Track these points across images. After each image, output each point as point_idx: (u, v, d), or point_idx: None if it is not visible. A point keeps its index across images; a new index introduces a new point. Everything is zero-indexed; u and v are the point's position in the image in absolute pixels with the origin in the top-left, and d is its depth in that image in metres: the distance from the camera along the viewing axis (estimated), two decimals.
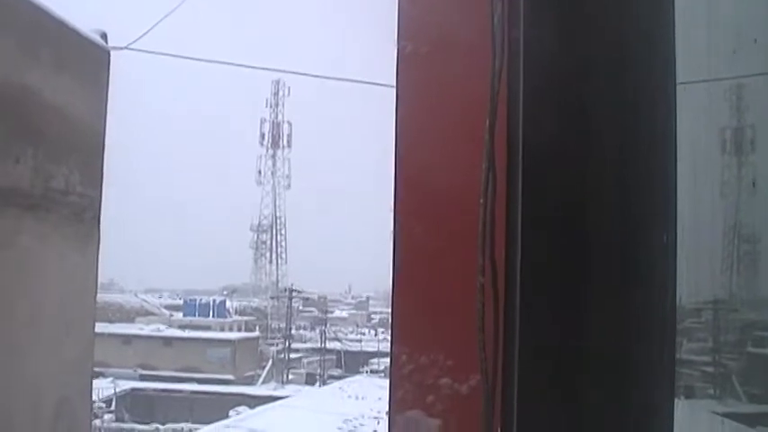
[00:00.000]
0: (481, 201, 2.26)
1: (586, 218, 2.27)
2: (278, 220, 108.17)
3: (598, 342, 2.24)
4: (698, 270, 2.97)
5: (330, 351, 79.46)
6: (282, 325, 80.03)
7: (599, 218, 2.28)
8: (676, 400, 2.42)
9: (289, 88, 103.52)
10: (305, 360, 78.78)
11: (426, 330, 2.42)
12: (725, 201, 3.24)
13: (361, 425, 37.72)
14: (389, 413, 2.44)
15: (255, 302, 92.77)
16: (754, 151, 3.20)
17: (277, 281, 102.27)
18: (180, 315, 78.14)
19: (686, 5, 2.42)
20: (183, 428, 55.01)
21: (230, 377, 66.93)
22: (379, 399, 35.09)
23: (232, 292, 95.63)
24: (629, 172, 2.29)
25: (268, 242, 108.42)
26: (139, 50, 11.65)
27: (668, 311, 2.31)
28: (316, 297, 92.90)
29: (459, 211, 2.36)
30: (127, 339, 67.20)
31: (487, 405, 2.24)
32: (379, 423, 33.84)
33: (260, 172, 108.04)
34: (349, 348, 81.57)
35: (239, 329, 77.56)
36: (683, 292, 2.42)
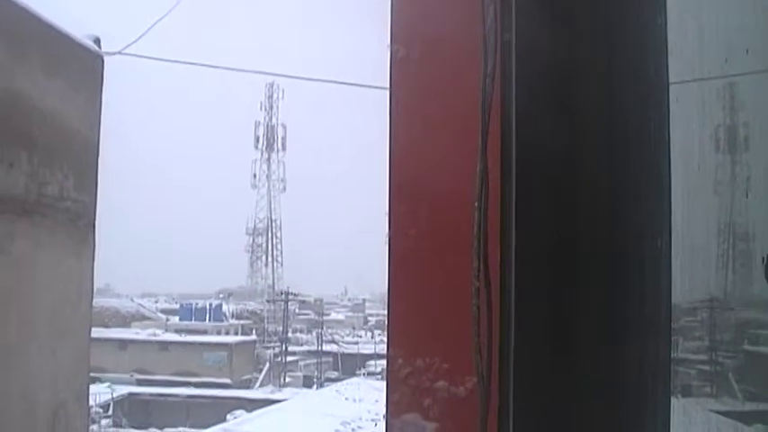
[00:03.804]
0: (476, 204, 2.26)
1: (580, 220, 2.28)
2: (273, 224, 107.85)
3: (593, 344, 2.25)
4: (693, 269, 2.97)
5: (327, 354, 79.47)
6: (279, 328, 79.96)
7: (592, 220, 2.28)
8: (673, 399, 2.42)
9: (283, 91, 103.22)
10: (302, 363, 78.74)
11: (422, 334, 2.42)
12: (719, 199, 3.25)
13: (359, 427, 37.76)
14: (386, 417, 2.44)
15: (252, 306, 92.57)
16: (748, 149, 3.20)
17: (273, 284, 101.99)
18: (176, 319, 78.05)
19: (678, 14, 2.42)
20: None
21: (227, 381, 66.87)
22: (377, 401, 35.12)
23: (228, 295, 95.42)
24: (624, 173, 2.30)
25: (264, 245, 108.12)
26: (133, 55, 11.62)
27: (663, 313, 2.31)
28: (312, 300, 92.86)
29: (454, 215, 2.36)
30: (123, 344, 67.14)
31: (484, 408, 2.24)
32: (376, 425, 33.89)
33: (255, 175, 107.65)
34: (346, 351, 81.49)
35: (236, 333, 77.40)
36: (678, 290, 2.42)
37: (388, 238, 2.47)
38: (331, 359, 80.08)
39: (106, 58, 7.17)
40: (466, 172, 2.29)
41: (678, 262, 2.37)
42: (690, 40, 2.69)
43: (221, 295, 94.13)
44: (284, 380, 72.00)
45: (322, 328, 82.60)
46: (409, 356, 2.40)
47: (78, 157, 6.56)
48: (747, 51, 2.64)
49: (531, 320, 2.24)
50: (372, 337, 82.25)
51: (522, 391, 2.24)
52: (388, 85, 2.53)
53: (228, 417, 50.75)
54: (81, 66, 6.73)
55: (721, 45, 2.76)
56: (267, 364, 74.50)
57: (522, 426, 2.24)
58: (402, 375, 2.40)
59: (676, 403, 2.61)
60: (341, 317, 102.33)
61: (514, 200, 2.27)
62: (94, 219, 6.84)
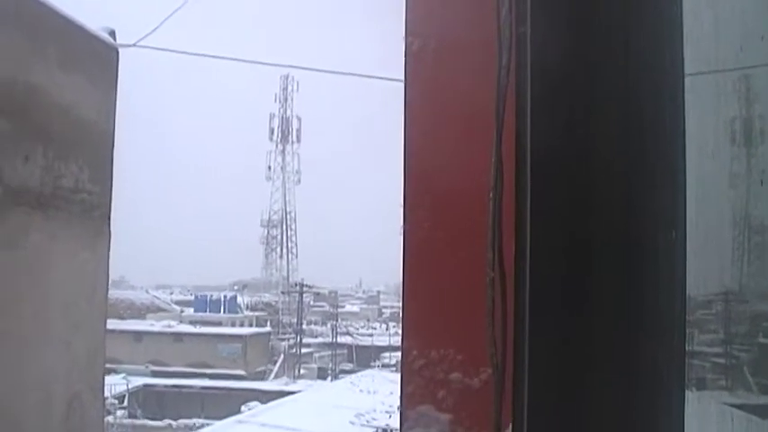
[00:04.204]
0: (490, 195, 2.26)
1: (594, 212, 2.27)
2: (288, 216, 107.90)
3: (608, 335, 2.24)
4: (708, 261, 2.96)
5: (341, 345, 79.45)
6: (293, 320, 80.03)
7: (607, 211, 2.27)
8: (687, 392, 2.41)
9: (297, 83, 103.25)
10: (316, 355, 78.78)
11: (437, 325, 2.42)
12: (735, 191, 3.23)
13: (374, 419, 37.69)
14: (401, 408, 2.45)
15: (266, 298, 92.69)
16: (764, 141, 3.19)
17: (288, 276, 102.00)
18: (191, 311, 78.20)
19: (693, 3, 2.41)
20: (195, 424, 54.99)
21: (241, 372, 66.89)
22: (391, 393, 35.14)
23: (243, 287, 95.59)
24: (638, 166, 2.29)
25: (278, 237, 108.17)
26: (148, 47, 11.61)
27: (678, 305, 2.31)
28: (326, 292, 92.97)
29: (469, 206, 2.36)
30: (138, 336, 67.21)
31: (498, 399, 2.24)
32: (390, 417, 33.85)
33: (270, 167, 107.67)
34: (360, 343, 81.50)
35: (250, 325, 77.45)
36: (693, 283, 2.41)
37: (402, 230, 2.48)
38: (345, 351, 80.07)
39: (121, 51, 7.19)
40: (481, 163, 2.30)
41: (693, 254, 2.36)
42: (705, 29, 2.68)
43: (236, 287, 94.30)
44: (299, 372, 71.99)
45: (336, 320, 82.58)
46: (423, 348, 2.41)
47: (94, 150, 6.57)
48: (762, 38, 2.62)
49: (545, 312, 2.24)
50: (387, 330, 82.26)
51: (536, 382, 2.24)
52: (402, 78, 2.53)
53: (243, 408, 50.78)
54: (97, 58, 6.74)
55: (736, 34, 2.75)
56: (282, 356, 74.54)
57: (536, 417, 2.24)
58: (416, 367, 2.41)
59: (690, 396, 2.60)
60: (355, 309, 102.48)
61: (529, 191, 2.27)
62: (110, 211, 6.86)
